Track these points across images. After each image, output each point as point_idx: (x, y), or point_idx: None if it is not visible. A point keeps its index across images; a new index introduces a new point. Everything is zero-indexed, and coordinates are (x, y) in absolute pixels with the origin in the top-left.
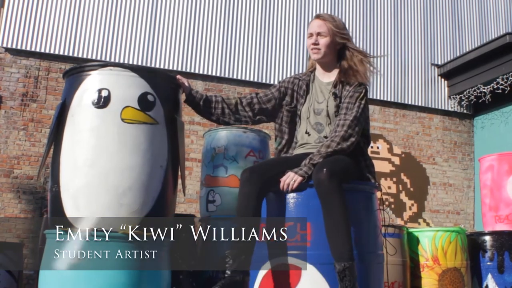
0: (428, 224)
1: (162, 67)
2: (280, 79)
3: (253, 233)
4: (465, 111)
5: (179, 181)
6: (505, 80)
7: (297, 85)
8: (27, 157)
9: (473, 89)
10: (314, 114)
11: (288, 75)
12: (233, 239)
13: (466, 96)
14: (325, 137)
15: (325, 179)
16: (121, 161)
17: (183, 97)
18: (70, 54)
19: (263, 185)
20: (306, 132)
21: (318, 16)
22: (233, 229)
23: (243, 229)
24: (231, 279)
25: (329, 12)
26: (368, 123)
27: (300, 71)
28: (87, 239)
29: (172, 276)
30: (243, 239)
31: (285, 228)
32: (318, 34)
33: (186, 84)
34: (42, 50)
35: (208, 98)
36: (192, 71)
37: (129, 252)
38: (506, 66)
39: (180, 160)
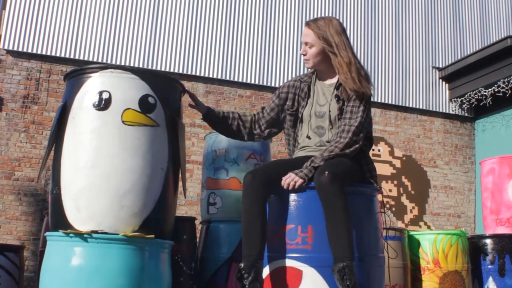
0: (429, 227)
1: (163, 69)
2: (281, 81)
3: (263, 240)
4: (466, 114)
5: (180, 183)
6: (506, 83)
7: (299, 88)
8: (28, 159)
9: (474, 92)
10: (315, 117)
11: (289, 77)
12: (243, 248)
13: (467, 99)
14: (328, 141)
15: (327, 182)
16: (122, 163)
17: (188, 102)
18: (72, 57)
19: (266, 189)
20: (307, 136)
21: (306, 24)
22: (241, 238)
23: (253, 238)
24: None
25: (330, 15)
26: (371, 125)
27: (301, 74)
28: (88, 241)
29: (173, 278)
30: (254, 247)
31: (286, 231)
32: (306, 44)
33: (200, 104)
34: (44, 52)
35: (225, 115)
36: (193, 73)
37: (130, 254)
38: (507, 69)
39: (181, 162)
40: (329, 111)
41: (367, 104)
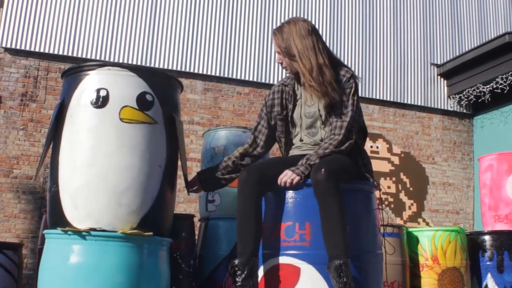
0: (427, 224)
1: (161, 66)
2: (280, 78)
3: (257, 237)
4: (464, 111)
5: (179, 181)
6: (505, 80)
7: (285, 92)
8: (27, 157)
9: (473, 88)
10: (306, 118)
11: (287, 75)
12: (238, 245)
13: (466, 96)
14: (321, 140)
15: (322, 179)
16: (120, 161)
17: (185, 100)
18: (70, 54)
19: (261, 186)
20: (300, 140)
21: (272, 32)
22: (236, 235)
23: (247, 235)
24: None
25: (327, 13)
26: (361, 116)
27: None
28: (86, 238)
29: (172, 276)
30: (248, 244)
31: (284, 228)
32: (279, 53)
33: (197, 186)
34: (42, 50)
35: (222, 173)
36: (192, 70)
37: (128, 252)
38: (506, 65)
39: (181, 160)
40: (319, 110)
41: (355, 96)
